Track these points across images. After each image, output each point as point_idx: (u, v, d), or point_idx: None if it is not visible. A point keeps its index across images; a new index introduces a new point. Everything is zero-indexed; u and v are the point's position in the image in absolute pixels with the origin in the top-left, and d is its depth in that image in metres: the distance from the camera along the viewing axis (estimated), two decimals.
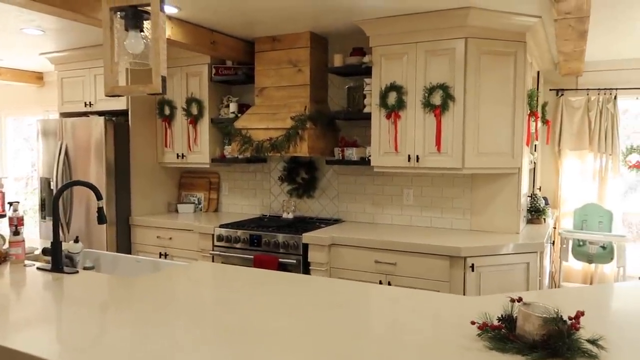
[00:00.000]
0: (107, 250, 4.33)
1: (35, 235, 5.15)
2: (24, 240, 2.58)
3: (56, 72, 4.97)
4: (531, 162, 4.29)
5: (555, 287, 4.83)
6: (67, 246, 2.65)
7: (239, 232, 3.91)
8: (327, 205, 4.38)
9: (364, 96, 3.90)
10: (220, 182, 4.93)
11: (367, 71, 3.80)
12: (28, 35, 4.18)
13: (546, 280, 4.18)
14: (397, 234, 3.64)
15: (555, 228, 4.88)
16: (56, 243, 2.40)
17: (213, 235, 4.02)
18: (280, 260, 3.66)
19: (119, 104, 4.51)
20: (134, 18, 1.93)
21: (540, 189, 4.92)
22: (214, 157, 4.56)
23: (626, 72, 4.66)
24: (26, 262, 2.56)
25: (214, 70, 4.45)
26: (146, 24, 1.95)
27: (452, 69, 3.43)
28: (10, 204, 2.66)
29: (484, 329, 1.48)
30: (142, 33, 1.94)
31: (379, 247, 3.41)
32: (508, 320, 1.48)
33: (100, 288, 2.13)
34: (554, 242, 4.82)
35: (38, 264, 2.52)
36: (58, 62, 4.90)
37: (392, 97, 3.62)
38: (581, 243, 4.68)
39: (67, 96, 4.90)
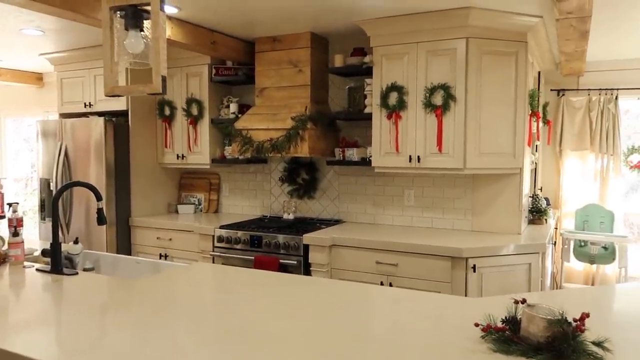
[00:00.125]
0: (107, 251, 4.31)
1: (35, 236, 5.13)
2: (23, 242, 2.57)
3: (56, 72, 4.96)
4: (532, 162, 4.28)
5: (556, 288, 4.81)
6: (67, 247, 2.63)
7: (240, 233, 3.89)
8: (328, 206, 4.36)
9: (365, 96, 3.88)
10: (221, 182, 4.92)
11: (367, 71, 3.79)
12: (27, 35, 4.17)
13: (548, 281, 4.17)
14: (398, 234, 3.62)
15: (556, 229, 4.87)
16: (55, 244, 2.39)
17: (213, 236, 4.01)
18: (280, 261, 3.65)
19: (119, 105, 4.49)
20: (134, 17, 1.92)
21: (541, 189, 4.90)
22: (214, 158, 4.55)
23: (628, 73, 4.65)
24: (25, 263, 2.55)
25: (214, 71, 4.44)
26: (146, 24, 1.94)
27: (453, 69, 3.41)
28: (10, 205, 2.64)
29: (488, 330, 1.46)
30: (142, 32, 1.92)
31: (380, 248, 3.39)
32: (512, 322, 1.46)
33: (100, 290, 2.11)
34: (555, 242, 4.80)
35: (37, 266, 2.50)
36: (58, 62, 4.89)
37: (393, 98, 3.60)
38: (583, 244, 4.66)
39: (66, 97, 4.88)
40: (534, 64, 3.96)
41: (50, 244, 2.40)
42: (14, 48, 4.69)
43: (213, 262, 4.00)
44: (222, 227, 4.00)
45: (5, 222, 2.67)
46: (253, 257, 3.75)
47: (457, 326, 1.64)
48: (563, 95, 4.89)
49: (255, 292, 2.07)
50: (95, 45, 4.49)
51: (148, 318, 1.73)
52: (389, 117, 3.63)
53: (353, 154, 3.93)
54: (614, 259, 4.55)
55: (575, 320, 1.37)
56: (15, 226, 2.54)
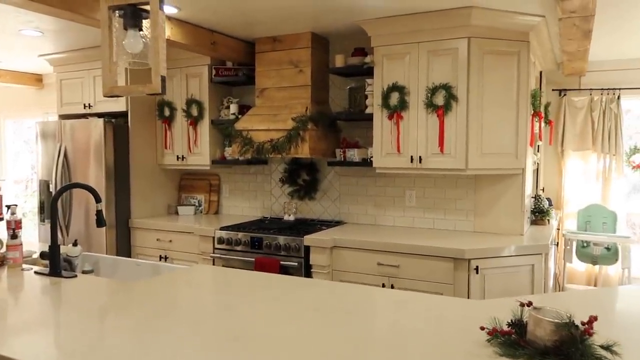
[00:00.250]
0: (106, 253, 4.29)
1: (35, 238, 5.11)
2: (21, 244, 2.54)
3: (55, 73, 4.94)
4: (535, 163, 4.25)
5: (559, 289, 4.78)
6: (66, 249, 2.61)
7: (240, 235, 3.87)
8: (329, 207, 4.34)
9: (366, 97, 3.86)
10: (221, 184, 4.89)
11: (368, 71, 3.76)
12: (26, 36, 4.14)
13: (550, 282, 4.14)
14: (399, 235, 3.59)
15: (558, 229, 4.84)
16: (54, 246, 2.36)
17: (213, 237, 3.98)
18: (281, 262, 3.62)
19: (119, 106, 4.47)
20: (133, 17, 1.89)
21: (543, 189, 4.88)
22: (214, 159, 4.53)
23: (630, 72, 4.63)
24: (24, 266, 2.52)
25: (214, 71, 4.42)
26: (145, 23, 1.91)
27: (454, 69, 3.39)
28: (8, 207, 2.62)
29: (494, 334, 1.44)
30: (141, 32, 1.90)
31: (382, 249, 3.37)
32: (518, 325, 1.43)
33: (99, 293, 2.08)
34: (557, 243, 4.78)
35: (36, 268, 2.47)
36: (57, 63, 4.86)
37: (394, 98, 3.58)
38: (585, 244, 4.63)
39: (66, 98, 4.86)
40: (535, 63, 3.94)
41: (49, 246, 2.37)
42: (13, 49, 4.67)
43: (213, 264, 3.97)
44: (222, 228, 3.98)
45: (3, 224, 2.64)
46: (253, 259, 3.73)
47: (461, 329, 1.61)
48: (565, 95, 4.86)
49: (256, 295, 2.05)
50: (94, 46, 4.47)
51: (148, 321, 1.70)
52: (390, 117, 3.60)
53: (354, 154, 3.90)
54: (616, 260, 4.52)
55: (583, 324, 1.34)
56: (14, 228, 2.52)
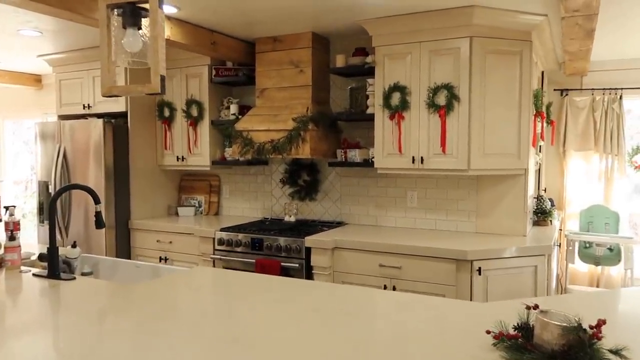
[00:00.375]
0: (106, 255, 4.26)
1: (35, 239, 5.08)
2: (19, 246, 2.51)
3: (54, 74, 4.91)
4: (537, 163, 4.23)
5: (561, 290, 4.76)
6: (65, 251, 2.58)
7: (240, 236, 3.84)
8: (330, 208, 4.31)
9: (367, 97, 3.83)
10: (221, 184, 4.87)
11: (369, 71, 3.74)
12: (25, 36, 4.12)
13: (553, 283, 4.11)
14: (401, 236, 3.57)
15: (560, 230, 4.81)
16: (52, 248, 2.33)
17: (214, 239, 3.96)
18: (282, 264, 3.60)
19: (118, 106, 4.44)
20: (132, 15, 1.86)
21: (545, 190, 4.85)
22: (215, 160, 4.50)
23: (632, 72, 4.60)
24: (22, 268, 2.50)
25: (214, 72, 4.39)
26: (144, 22, 1.89)
27: (456, 68, 3.36)
28: (7, 208, 2.59)
29: (500, 338, 1.41)
30: (140, 31, 1.87)
31: (384, 251, 3.34)
32: (525, 329, 1.41)
33: (98, 295, 2.06)
34: (559, 244, 4.75)
35: (34, 270, 2.45)
36: (56, 64, 4.84)
37: (395, 98, 3.55)
38: (588, 245, 4.61)
39: (65, 98, 4.84)
40: (537, 63, 3.92)
41: (47, 248, 2.35)
42: (12, 49, 4.64)
43: (214, 265, 3.95)
44: (222, 229, 3.95)
45: (1, 225, 2.62)
46: (254, 260, 3.70)
47: (466, 333, 1.59)
48: (566, 95, 4.84)
49: (256, 297, 2.02)
50: (93, 46, 4.45)
51: (147, 324, 1.68)
52: (392, 117, 3.58)
53: (355, 155, 3.88)
54: (619, 261, 4.49)
55: (591, 327, 1.31)
56: (12, 230, 2.49)
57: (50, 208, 2.37)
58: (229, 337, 1.57)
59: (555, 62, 4.52)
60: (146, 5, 1.86)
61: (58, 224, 4.52)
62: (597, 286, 4.81)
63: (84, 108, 4.68)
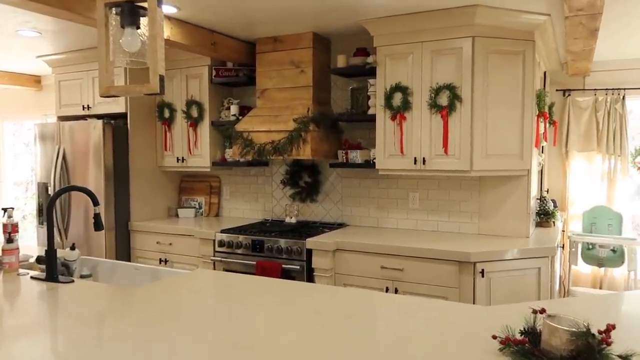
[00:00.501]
0: (106, 256, 4.23)
1: (34, 241, 5.05)
2: (18, 248, 2.48)
3: (54, 75, 4.89)
4: (539, 164, 4.20)
5: (564, 292, 4.72)
6: (64, 253, 2.56)
7: (241, 238, 3.81)
8: (331, 210, 4.28)
9: (368, 97, 3.80)
10: (221, 186, 4.84)
11: (371, 72, 3.71)
12: (24, 37, 4.09)
13: (556, 285, 4.08)
14: (403, 238, 3.54)
15: (563, 231, 4.78)
16: (51, 251, 2.31)
17: (214, 240, 3.93)
18: (283, 266, 3.56)
19: (118, 107, 4.42)
20: (130, 14, 1.83)
21: (547, 191, 4.82)
22: (215, 161, 4.47)
23: (635, 72, 4.57)
24: (20, 270, 2.47)
25: (214, 72, 4.37)
26: (143, 21, 1.86)
27: (459, 68, 3.33)
28: (5, 210, 2.56)
29: (506, 343, 1.38)
30: (138, 30, 1.84)
31: (385, 253, 3.31)
32: (532, 334, 1.38)
33: (96, 298, 2.03)
34: (562, 245, 4.71)
35: (32, 273, 2.42)
36: (55, 65, 4.81)
37: (397, 98, 3.52)
38: (591, 246, 4.57)
39: (64, 99, 4.81)
40: (540, 64, 3.89)
41: (45, 250, 2.32)
42: (12, 50, 4.62)
43: (214, 267, 3.92)
44: (223, 231, 3.92)
45: None
46: (255, 262, 3.67)
47: (472, 337, 1.56)
48: (569, 95, 4.80)
49: (257, 300, 1.99)
50: (93, 47, 4.42)
51: (146, 328, 1.65)
52: (393, 118, 3.55)
53: (356, 156, 3.85)
54: (622, 262, 4.46)
55: (600, 332, 1.28)
56: (10, 232, 2.46)
57: (49, 210, 2.34)
58: (230, 340, 1.54)
59: (557, 62, 4.49)
60: (145, 4, 1.83)
61: (57, 225, 4.50)
62: (600, 288, 4.77)
63: (83, 109, 4.65)
